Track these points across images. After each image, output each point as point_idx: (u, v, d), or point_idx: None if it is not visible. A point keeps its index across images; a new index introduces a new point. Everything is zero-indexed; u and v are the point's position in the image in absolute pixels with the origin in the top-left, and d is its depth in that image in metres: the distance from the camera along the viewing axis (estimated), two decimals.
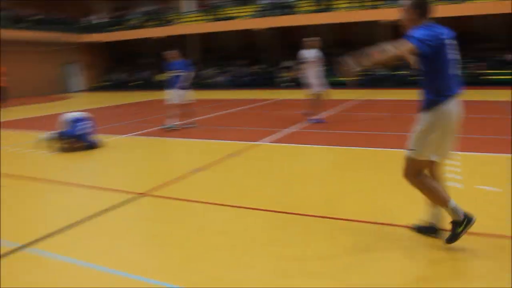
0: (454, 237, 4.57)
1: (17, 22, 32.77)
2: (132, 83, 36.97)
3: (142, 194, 6.61)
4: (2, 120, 16.37)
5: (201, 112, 15.98)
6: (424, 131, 4.48)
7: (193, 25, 33.75)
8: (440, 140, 4.47)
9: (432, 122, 4.45)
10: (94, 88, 38.35)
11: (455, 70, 4.45)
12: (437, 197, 4.57)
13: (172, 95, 12.38)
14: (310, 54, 12.37)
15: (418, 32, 4.25)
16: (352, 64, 4.18)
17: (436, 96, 4.41)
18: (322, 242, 4.81)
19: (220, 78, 33.38)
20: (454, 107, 4.44)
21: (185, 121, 12.72)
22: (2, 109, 19.48)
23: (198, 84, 30.25)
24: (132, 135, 11.94)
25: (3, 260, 4.65)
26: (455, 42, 4.47)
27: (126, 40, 36.59)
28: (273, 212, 5.64)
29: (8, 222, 5.66)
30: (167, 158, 9.44)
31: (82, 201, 6.47)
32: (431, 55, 4.27)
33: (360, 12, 27.88)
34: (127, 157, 9.32)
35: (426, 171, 4.65)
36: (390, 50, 4.15)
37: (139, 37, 35.52)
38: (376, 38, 26.25)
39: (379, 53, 4.18)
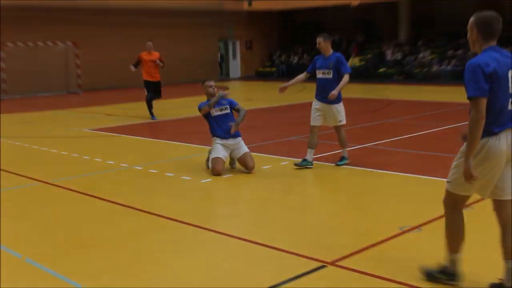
0: (433, 276, 4.55)
1: None
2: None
3: (333, 264, 5.04)
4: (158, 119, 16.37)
5: (404, 128, 13.24)
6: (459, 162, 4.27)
7: None
8: (481, 176, 4.16)
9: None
10: (256, 74, 36.45)
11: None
12: (451, 240, 4.46)
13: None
14: None
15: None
16: None
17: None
18: None
19: (440, 68, 28.25)
20: (502, 143, 4.14)
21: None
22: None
23: (406, 74, 29.20)
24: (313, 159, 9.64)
25: None
26: None
27: (308, 8, 34.12)
28: None
29: None
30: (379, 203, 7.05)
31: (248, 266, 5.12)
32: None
33: None
34: (312, 199, 7.64)
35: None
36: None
37: (324, 4, 32.74)
38: None
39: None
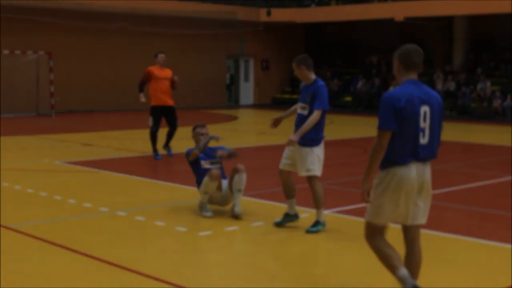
0: None
1: None
2: (341, 99, 34.86)
3: None
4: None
5: (455, 178, 13.46)
6: (375, 192, 5.58)
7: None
8: (393, 204, 5.51)
9: (382, 183, 5.53)
10: (273, 102, 37.07)
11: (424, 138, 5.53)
12: (387, 264, 5.58)
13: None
14: None
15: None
16: None
17: (392, 156, 5.47)
18: None
19: (503, 103, 28.87)
20: (412, 173, 5.46)
21: None
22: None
23: (461, 108, 29.50)
24: (338, 211, 10.21)
25: None
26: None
27: (340, 22, 34.77)
28: None
29: None
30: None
31: None
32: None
33: None
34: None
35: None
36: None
37: (361, 18, 33.38)
38: None
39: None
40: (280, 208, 10.07)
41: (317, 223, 8.69)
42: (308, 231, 8.64)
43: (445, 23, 32.78)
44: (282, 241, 8.37)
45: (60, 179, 12.85)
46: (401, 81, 5.60)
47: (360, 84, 33.98)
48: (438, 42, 34.20)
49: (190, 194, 11.08)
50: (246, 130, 24.91)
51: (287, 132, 22.36)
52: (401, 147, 5.46)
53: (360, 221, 9.14)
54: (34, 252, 7.69)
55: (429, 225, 8.91)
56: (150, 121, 15.66)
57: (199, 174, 9.58)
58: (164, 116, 15.72)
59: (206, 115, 20.07)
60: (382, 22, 33.09)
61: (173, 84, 15.75)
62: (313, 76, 8.91)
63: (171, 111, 15.73)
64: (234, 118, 28.47)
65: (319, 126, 8.74)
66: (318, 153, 8.80)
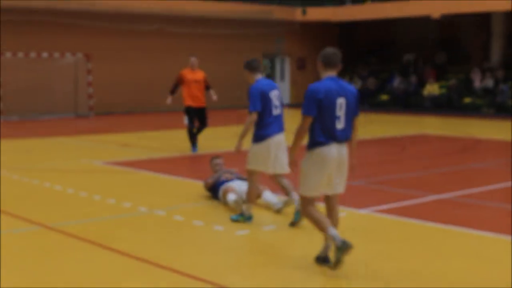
0: (336, 262, 6.64)
1: None
2: (378, 97, 34.49)
3: None
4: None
5: (494, 176, 13.03)
6: (304, 169, 6.96)
7: None
8: (319, 178, 6.86)
9: (308, 162, 6.91)
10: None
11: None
12: (319, 226, 6.87)
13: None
14: None
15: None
16: None
17: (316, 138, 6.81)
18: None
19: None
20: (331, 151, 6.79)
21: None
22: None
23: (499, 106, 29.15)
24: (377, 210, 10.00)
25: None
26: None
27: (376, 21, 34.54)
28: None
29: None
30: None
31: None
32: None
33: None
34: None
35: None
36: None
37: (397, 16, 33.09)
38: None
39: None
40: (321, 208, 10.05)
41: (240, 214, 9.14)
42: (231, 217, 9.19)
43: (483, 20, 32.35)
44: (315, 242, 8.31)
45: (99, 180, 12.96)
46: (322, 77, 6.98)
47: (396, 82, 33.73)
48: (476, 38, 33.77)
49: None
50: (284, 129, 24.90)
51: None
52: (322, 131, 6.81)
53: (401, 221, 9.31)
54: (74, 252, 7.75)
55: (464, 223, 8.98)
56: (185, 120, 16.39)
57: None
58: (197, 116, 16.28)
59: (242, 115, 20.09)
60: (419, 19, 32.78)
61: (206, 85, 16.39)
62: (255, 78, 9.21)
63: (203, 112, 16.36)
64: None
65: (258, 125, 8.93)
66: (255, 150, 9.00)
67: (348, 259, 6.80)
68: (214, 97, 16.55)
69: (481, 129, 23.30)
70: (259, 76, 9.20)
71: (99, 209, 10.06)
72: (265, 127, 8.94)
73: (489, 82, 30.89)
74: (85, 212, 9.86)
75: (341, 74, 31.60)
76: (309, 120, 6.78)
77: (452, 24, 33.64)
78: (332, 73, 6.97)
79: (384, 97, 34.24)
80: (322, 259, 7.10)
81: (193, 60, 16.29)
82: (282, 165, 9.11)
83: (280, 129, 9.08)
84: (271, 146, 8.99)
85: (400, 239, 8.50)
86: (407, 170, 13.56)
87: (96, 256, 7.61)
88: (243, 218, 9.08)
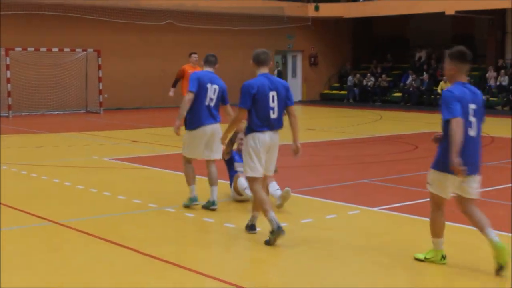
0: (269, 241, 7.71)
1: None
2: (390, 94, 34.65)
3: None
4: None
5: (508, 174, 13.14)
6: (244, 153, 8.09)
7: None
8: (256, 159, 7.92)
9: (248, 145, 8.02)
10: (321, 98, 37.31)
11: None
12: (262, 207, 7.85)
13: None
14: None
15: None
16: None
17: (253, 126, 7.94)
18: None
19: None
20: (266, 137, 7.91)
21: None
22: None
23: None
24: (388, 208, 9.96)
25: None
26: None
27: (390, 17, 34.51)
28: None
29: None
30: None
31: None
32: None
33: None
34: None
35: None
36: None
37: (410, 12, 33.11)
38: None
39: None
40: (332, 206, 10.06)
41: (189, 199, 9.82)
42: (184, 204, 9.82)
43: (498, 17, 32.23)
44: (330, 239, 8.29)
45: (110, 176, 12.99)
46: (256, 74, 8.08)
47: (409, 80, 33.64)
48: (491, 36, 33.56)
49: None
50: None
51: (336, 128, 22.42)
52: (258, 120, 7.94)
53: (415, 219, 9.27)
54: (84, 248, 7.78)
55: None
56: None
57: (230, 176, 10.34)
58: None
59: None
60: (433, 16, 32.64)
61: None
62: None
63: None
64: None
65: (189, 111, 9.64)
66: (186, 136, 9.81)
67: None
68: None
69: (496, 127, 23.15)
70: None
71: (109, 206, 10.09)
72: (195, 114, 9.64)
73: (504, 80, 30.76)
74: (95, 208, 9.88)
75: (355, 71, 31.61)
76: (244, 112, 7.96)
77: (466, 22, 33.49)
78: (264, 70, 8.09)
79: (397, 94, 34.16)
80: (249, 227, 8.34)
81: (194, 57, 17.09)
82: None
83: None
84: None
85: (416, 237, 8.43)
86: (420, 169, 13.52)
87: (106, 252, 7.62)
88: (190, 200, 9.77)
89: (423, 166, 13.85)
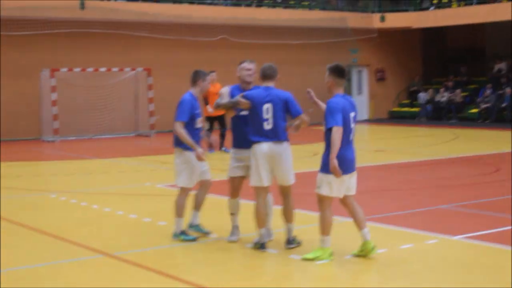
0: (253, 246, 8.88)
1: None
2: (466, 111, 34.21)
3: None
4: None
5: None
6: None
7: None
8: (259, 170, 8.80)
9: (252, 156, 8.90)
10: (390, 116, 37.33)
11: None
12: (258, 219, 8.94)
13: None
14: None
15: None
16: None
17: (251, 137, 8.88)
18: None
19: None
20: (263, 148, 8.75)
21: None
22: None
23: None
24: (471, 236, 9.80)
25: None
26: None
27: (464, 26, 34.25)
28: None
29: None
30: None
31: None
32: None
33: None
34: None
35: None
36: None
37: (486, 21, 33.06)
38: None
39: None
40: (407, 234, 9.95)
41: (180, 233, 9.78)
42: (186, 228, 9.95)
43: None
44: (409, 271, 8.19)
45: (164, 204, 13.01)
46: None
47: (487, 94, 33.11)
48: None
49: (308, 219, 11.02)
50: (361, 147, 24.75)
51: (409, 149, 22.22)
52: (254, 131, 8.87)
53: (498, 248, 9.08)
54: (139, 283, 7.84)
55: None
56: (206, 125, 19.89)
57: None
58: (217, 121, 21.61)
59: (314, 132, 19.97)
60: (510, 24, 32.17)
61: None
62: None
63: (222, 117, 21.05)
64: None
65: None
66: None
67: None
68: None
69: None
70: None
71: (164, 237, 10.10)
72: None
73: None
74: (149, 239, 9.95)
75: (426, 86, 31.16)
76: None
77: None
78: (268, 84, 9.05)
79: (474, 110, 33.70)
80: (259, 245, 8.98)
81: (212, 75, 20.54)
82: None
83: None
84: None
85: (501, 269, 8.27)
86: (504, 193, 13.30)
87: (161, 286, 7.67)
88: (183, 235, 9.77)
89: (506, 189, 13.69)
